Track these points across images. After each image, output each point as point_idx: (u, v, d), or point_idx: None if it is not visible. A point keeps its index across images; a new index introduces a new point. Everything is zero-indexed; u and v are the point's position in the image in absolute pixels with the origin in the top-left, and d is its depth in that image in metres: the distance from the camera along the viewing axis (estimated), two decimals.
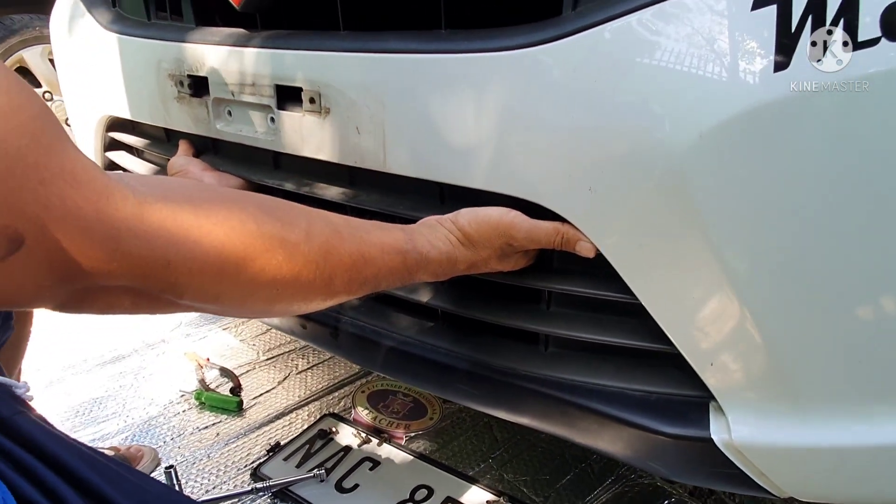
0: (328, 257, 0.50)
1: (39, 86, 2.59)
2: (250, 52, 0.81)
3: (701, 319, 0.59)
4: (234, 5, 0.80)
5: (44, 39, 2.51)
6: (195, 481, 1.12)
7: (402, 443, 1.18)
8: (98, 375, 1.43)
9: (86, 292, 0.40)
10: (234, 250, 0.43)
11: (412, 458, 1.13)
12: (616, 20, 0.56)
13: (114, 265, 0.37)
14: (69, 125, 2.58)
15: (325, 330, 0.89)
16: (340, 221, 0.56)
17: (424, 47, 0.67)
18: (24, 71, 2.54)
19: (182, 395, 1.35)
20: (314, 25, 0.80)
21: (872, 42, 0.48)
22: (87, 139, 1.19)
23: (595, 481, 1.08)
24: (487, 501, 1.03)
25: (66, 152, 0.35)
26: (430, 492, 1.06)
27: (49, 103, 2.60)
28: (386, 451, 1.16)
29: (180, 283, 0.41)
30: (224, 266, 0.42)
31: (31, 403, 0.58)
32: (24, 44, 2.46)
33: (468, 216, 0.64)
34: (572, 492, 1.06)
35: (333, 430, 1.21)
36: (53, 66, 2.54)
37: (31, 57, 2.51)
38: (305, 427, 1.23)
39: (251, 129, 0.85)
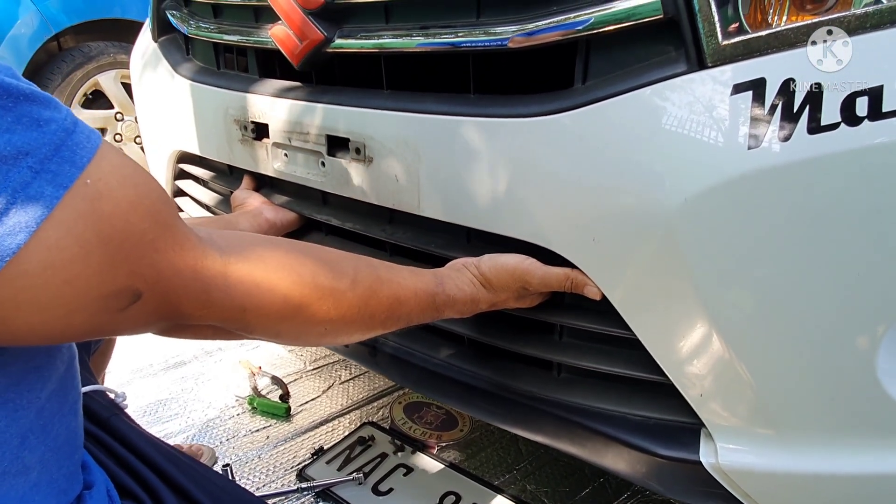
0: (369, 301, 0.61)
1: (112, 107, 2.80)
2: (306, 105, 0.93)
3: (691, 356, 0.67)
4: (294, 64, 0.92)
5: (117, 65, 2.72)
6: (247, 479, 1.24)
7: (434, 452, 1.28)
8: (162, 379, 1.58)
9: (179, 326, 0.52)
10: (294, 299, 0.53)
11: (443, 466, 1.23)
12: (617, 96, 0.65)
13: (204, 311, 0.48)
14: (139, 145, 2.77)
15: (364, 349, 1.00)
16: (382, 268, 0.66)
17: (455, 109, 0.77)
18: (99, 94, 2.77)
19: (236, 400, 1.49)
20: (362, 82, 0.92)
21: (832, 126, 0.56)
22: (159, 169, 1.33)
23: (612, 495, 1.16)
24: None
25: (174, 226, 0.46)
26: (458, 498, 1.15)
27: (119, 123, 2.82)
28: (419, 458, 1.26)
29: (252, 323, 0.52)
30: (285, 311, 0.53)
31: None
32: (100, 69, 2.67)
33: (489, 263, 0.74)
34: None
35: (372, 437, 1.31)
36: (125, 89, 2.76)
37: (106, 81, 2.72)
38: (346, 434, 1.34)
39: (304, 171, 0.97)
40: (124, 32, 2.72)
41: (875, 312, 0.59)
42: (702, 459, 0.70)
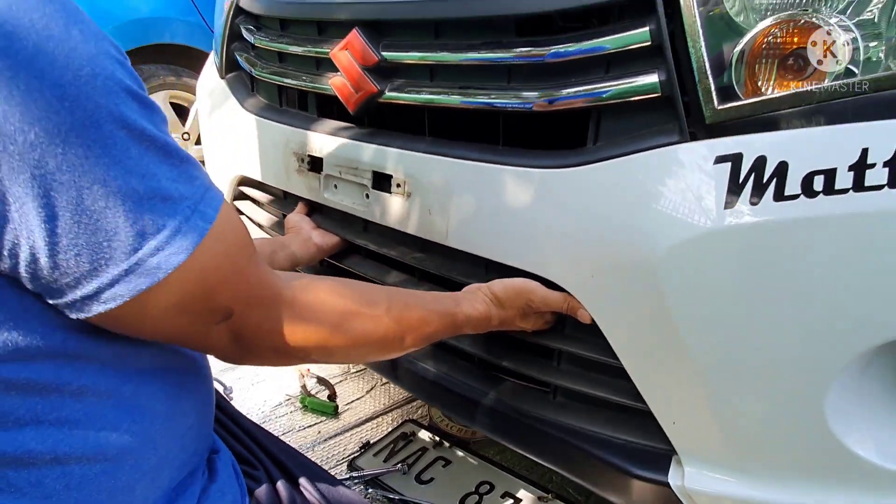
0: (401, 323, 0.73)
1: None
2: (357, 144, 1.05)
3: (667, 387, 0.77)
4: (350, 110, 1.04)
5: (166, 86, 2.92)
6: None
7: (469, 446, 1.40)
8: (220, 379, 1.71)
9: (246, 355, 0.63)
10: (344, 327, 0.66)
11: (477, 459, 1.35)
12: (620, 157, 0.75)
13: (273, 340, 0.61)
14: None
15: (387, 364, 1.12)
16: (409, 295, 0.79)
17: (485, 157, 0.88)
18: None
19: (288, 399, 1.63)
20: (407, 128, 1.03)
21: (793, 197, 0.65)
22: (221, 190, 1.47)
23: None
24: (539, 497, 1.24)
25: (258, 259, 0.59)
26: (492, 487, 1.27)
27: None
28: (456, 452, 1.38)
29: (309, 351, 0.65)
30: (336, 338, 0.66)
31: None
32: (151, 90, 2.84)
33: (499, 284, 0.86)
34: None
35: (413, 433, 1.44)
36: (174, 109, 2.96)
37: (156, 101, 2.92)
38: (390, 430, 1.47)
39: (350, 201, 1.09)
40: (173, 56, 2.92)
41: (820, 364, 0.67)
42: (670, 481, 0.79)
